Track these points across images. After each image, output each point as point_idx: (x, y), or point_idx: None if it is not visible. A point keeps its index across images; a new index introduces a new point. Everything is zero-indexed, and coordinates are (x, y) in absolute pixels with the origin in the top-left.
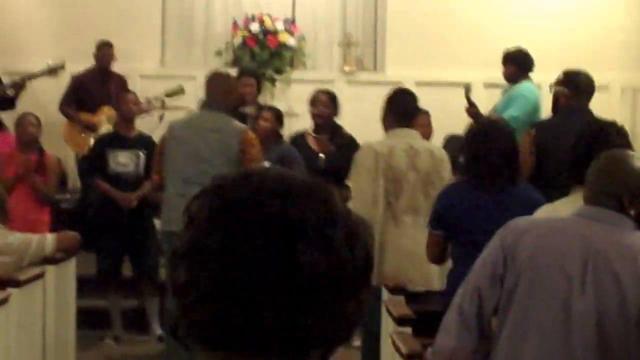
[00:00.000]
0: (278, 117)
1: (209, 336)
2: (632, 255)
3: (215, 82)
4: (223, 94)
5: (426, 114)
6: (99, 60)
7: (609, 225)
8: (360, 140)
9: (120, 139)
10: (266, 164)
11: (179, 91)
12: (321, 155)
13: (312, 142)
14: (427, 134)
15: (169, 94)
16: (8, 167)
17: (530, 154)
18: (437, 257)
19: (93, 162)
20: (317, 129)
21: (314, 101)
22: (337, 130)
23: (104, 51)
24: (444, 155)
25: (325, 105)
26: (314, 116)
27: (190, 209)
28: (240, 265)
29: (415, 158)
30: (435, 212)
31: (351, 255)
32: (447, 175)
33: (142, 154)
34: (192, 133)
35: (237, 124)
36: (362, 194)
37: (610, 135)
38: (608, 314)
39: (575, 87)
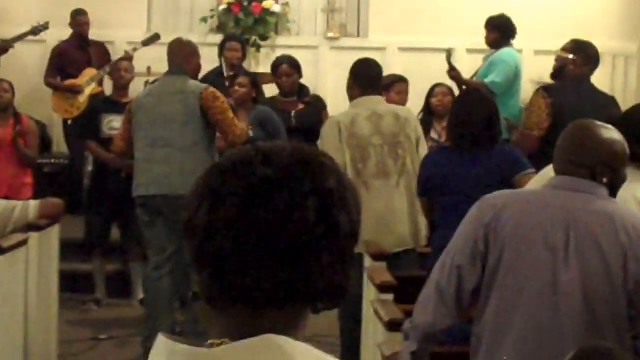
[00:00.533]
0: (253, 82)
1: (252, 295)
2: (612, 222)
3: (177, 48)
4: (184, 59)
5: (404, 81)
6: (76, 29)
7: (587, 195)
8: (342, 104)
9: (114, 104)
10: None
11: (155, 37)
12: (292, 113)
13: (281, 105)
14: (402, 101)
15: (145, 43)
16: None
17: (547, 116)
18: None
19: (86, 125)
20: (285, 94)
21: (276, 72)
22: (303, 90)
23: (79, 19)
24: (409, 115)
25: (288, 75)
26: (279, 86)
27: (221, 182)
28: (286, 234)
29: (379, 122)
30: (419, 179)
31: (358, 216)
32: (414, 133)
33: None
34: (156, 99)
35: (198, 83)
36: None
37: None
38: (593, 283)
39: (585, 57)
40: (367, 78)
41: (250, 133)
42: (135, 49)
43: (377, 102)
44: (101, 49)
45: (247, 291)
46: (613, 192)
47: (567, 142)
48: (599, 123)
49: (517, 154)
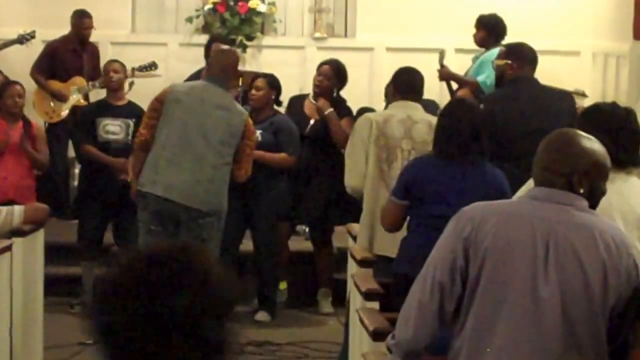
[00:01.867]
0: (271, 83)
1: None
2: (591, 235)
3: (223, 57)
4: (230, 72)
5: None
6: (77, 30)
7: (566, 206)
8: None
9: (109, 108)
10: (258, 133)
11: (153, 65)
12: (311, 121)
13: (307, 107)
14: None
15: (141, 70)
16: None
17: None
18: (395, 226)
19: (82, 131)
20: (317, 96)
21: (317, 69)
22: (338, 102)
23: (84, 22)
24: None
25: (325, 76)
26: (314, 84)
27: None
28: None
29: (412, 127)
30: (402, 183)
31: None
32: None
33: (132, 123)
34: (197, 102)
35: (240, 106)
36: (355, 166)
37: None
38: (573, 297)
39: (518, 58)
40: (407, 85)
41: (259, 138)
42: (134, 70)
43: (414, 108)
44: (95, 53)
45: None
46: (593, 204)
47: (546, 151)
48: (579, 132)
49: (502, 179)
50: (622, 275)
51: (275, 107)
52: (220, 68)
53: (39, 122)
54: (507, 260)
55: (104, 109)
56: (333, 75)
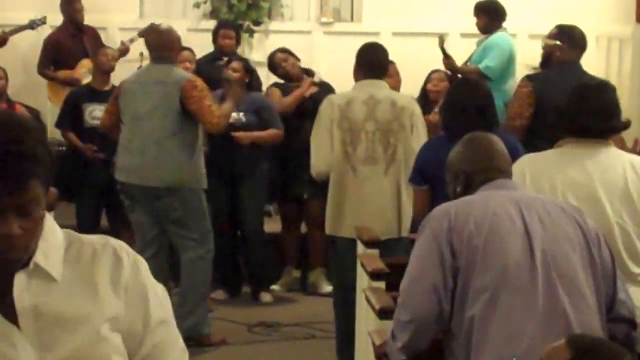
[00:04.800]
0: (247, 68)
1: None
2: (555, 203)
3: (157, 36)
4: (166, 47)
5: (392, 63)
6: (70, 16)
7: (521, 190)
8: (336, 89)
9: (95, 93)
10: (241, 115)
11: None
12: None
13: (294, 89)
14: (395, 83)
15: (142, 34)
16: None
17: (528, 105)
18: (425, 211)
19: (66, 115)
20: (291, 78)
21: (272, 64)
22: (309, 72)
23: (75, 6)
24: (407, 103)
25: (284, 60)
26: (286, 74)
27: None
28: None
29: (374, 107)
30: (416, 168)
31: None
32: (408, 122)
33: None
34: (139, 87)
35: (181, 73)
36: (319, 149)
37: (611, 91)
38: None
39: (571, 41)
40: (370, 63)
41: (243, 119)
42: (132, 40)
43: (377, 87)
44: (94, 34)
45: None
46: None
47: (473, 157)
48: (487, 136)
49: (513, 143)
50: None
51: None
52: (161, 46)
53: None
54: (497, 240)
55: (90, 94)
56: (290, 55)
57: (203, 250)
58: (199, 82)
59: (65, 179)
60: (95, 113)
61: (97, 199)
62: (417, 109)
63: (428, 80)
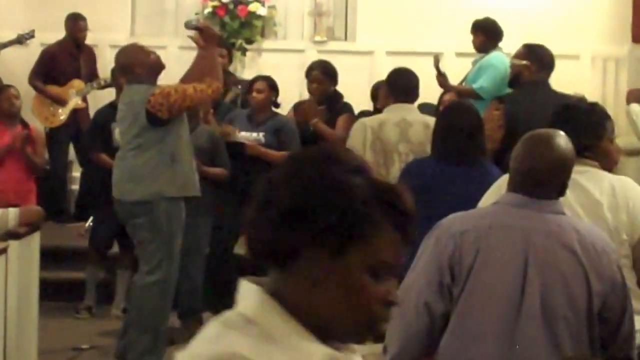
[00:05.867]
0: (271, 85)
1: None
2: (569, 243)
3: (121, 61)
4: (130, 68)
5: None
6: (72, 33)
7: (542, 213)
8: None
9: None
10: (261, 135)
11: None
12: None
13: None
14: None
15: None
16: None
17: (499, 127)
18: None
19: (96, 138)
20: (317, 102)
21: (308, 76)
22: (335, 99)
23: (79, 25)
24: None
25: (318, 81)
26: (309, 91)
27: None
28: None
29: (407, 129)
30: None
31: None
32: None
33: None
34: (119, 112)
35: (148, 90)
36: None
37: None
38: (554, 306)
39: (539, 60)
40: (402, 87)
41: (262, 140)
42: None
43: (408, 110)
44: (91, 55)
45: None
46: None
47: (520, 156)
48: (552, 133)
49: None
50: (606, 280)
51: (274, 109)
52: (136, 66)
53: (37, 126)
54: (489, 277)
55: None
56: (324, 78)
57: (151, 279)
58: (168, 89)
59: (82, 198)
60: None
61: (114, 221)
62: None
63: (440, 103)
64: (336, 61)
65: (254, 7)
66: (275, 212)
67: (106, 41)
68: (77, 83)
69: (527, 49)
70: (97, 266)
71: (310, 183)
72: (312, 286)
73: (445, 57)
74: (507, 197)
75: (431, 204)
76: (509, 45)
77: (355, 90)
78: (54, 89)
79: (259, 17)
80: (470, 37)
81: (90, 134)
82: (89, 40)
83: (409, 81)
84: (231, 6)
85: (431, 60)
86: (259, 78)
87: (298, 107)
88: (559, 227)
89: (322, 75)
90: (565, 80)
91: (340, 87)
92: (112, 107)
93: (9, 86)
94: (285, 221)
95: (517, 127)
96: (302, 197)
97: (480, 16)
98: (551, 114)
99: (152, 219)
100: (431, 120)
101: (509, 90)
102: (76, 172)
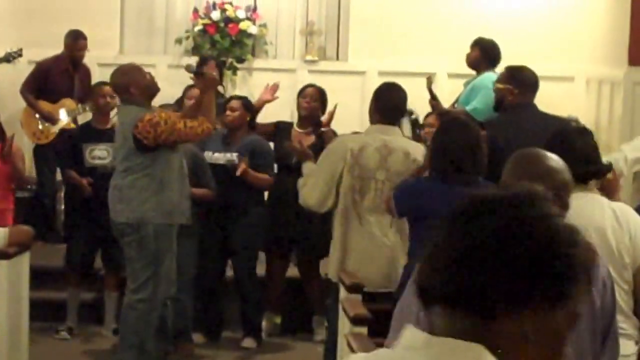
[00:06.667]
0: (246, 106)
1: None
2: None
3: (116, 82)
4: (123, 89)
5: None
6: (70, 51)
7: None
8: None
9: (95, 132)
10: (235, 156)
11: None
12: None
13: (294, 137)
14: None
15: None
16: None
17: None
18: None
19: (67, 155)
20: (302, 121)
21: (302, 93)
22: (321, 126)
23: (79, 43)
24: (420, 156)
25: (312, 98)
26: (300, 107)
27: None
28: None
29: (387, 156)
30: (396, 203)
31: None
32: None
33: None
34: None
35: (137, 113)
36: (317, 184)
37: (581, 136)
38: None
39: (520, 83)
40: (385, 106)
41: (236, 160)
42: None
43: (392, 133)
44: (86, 75)
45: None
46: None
47: (512, 173)
48: (542, 152)
49: None
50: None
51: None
52: (120, 88)
53: (25, 140)
54: None
55: (90, 133)
56: (318, 97)
57: (136, 297)
58: (157, 118)
59: (59, 219)
60: (95, 152)
61: (91, 242)
62: None
63: (422, 126)
64: (328, 81)
65: (244, 25)
66: (505, 260)
67: (95, 58)
68: (69, 102)
69: (509, 72)
70: (77, 287)
71: (541, 233)
72: (519, 340)
73: (438, 78)
74: None
75: (430, 225)
76: (501, 67)
77: (346, 110)
78: (45, 106)
79: (250, 35)
80: (463, 57)
81: (62, 152)
82: None
83: (392, 99)
84: (222, 24)
85: (423, 80)
86: (233, 97)
87: (284, 126)
88: None
89: (316, 94)
90: (559, 102)
91: (331, 107)
92: (86, 127)
93: None
94: (518, 271)
95: (498, 151)
96: (540, 247)
97: (473, 36)
98: (545, 140)
99: (139, 238)
100: (412, 148)
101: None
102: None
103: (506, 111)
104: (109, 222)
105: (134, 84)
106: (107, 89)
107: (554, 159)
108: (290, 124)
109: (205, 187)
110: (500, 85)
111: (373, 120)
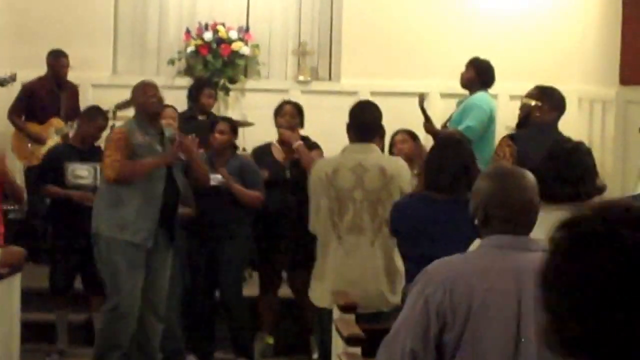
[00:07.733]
0: (233, 128)
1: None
2: None
3: (135, 89)
4: (135, 102)
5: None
6: (54, 70)
7: (530, 252)
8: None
9: (76, 152)
10: (219, 177)
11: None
12: (287, 164)
13: (276, 152)
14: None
15: (120, 107)
16: None
17: (511, 164)
18: None
19: (46, 173)
20: (282, 139)
21: (279, 111)
22: (303, 139)
23: (60, 61)
24: (397, 170)
25: (291, 115)
26: (280, 126)
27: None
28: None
29: (363, 175)
30: (392, 230)
31: None
32: (397, 191)
33: (99, 167)
34: None
35: (119, 129)
36: (314, 210)
37: (583, 155)
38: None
39: (551, 102)
40: (359, 125)
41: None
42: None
43: (366, 152)
44: (73, 93)
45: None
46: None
47: (493, 198)
48: (513, 170)
49: None
50: None
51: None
52: (134, 101)
53: (16, 164)
54: (485, 322)
55: (72, 152)
56: (296, 113)
57: (107, 306)
58: (115, 137)
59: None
60: (77, 172)
61: (74, 261)
62: (407, 176)
63: (392, 142)
64: (320, 101)
65: (237, 46)
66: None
67: (88, 79)
68: (57, 122)
69: (540, 90)
70: (64, 309)
71: None
72: None
73: (430, 98)
74: (493, 240)
75: (425, 245)
76: (495, 86)
77: (339, 130)
78: (33, 127)
79: (242, 56)
80: (455, 78)
81: (41, 169)
82: (70, 79)
83: (365, 118)
84: (214, 45)
85: (416, 100)
86: (220, 119)
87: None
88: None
89: (294, 110)
90: None
91: (323, 128)
92: (67, 146)
93: None
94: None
95: (525, 166)
96: None
97: (466, 57)
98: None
99: (97, 250)
100: (389, 164)
101: (492, 130)
102: None
103: (531, 127)
104: (87, 244)
105: (134, 101)
106: (103, 123)
107: (524, 178)
108: (266, 145)
109: (187, 206)
110: (530, 102)
111: (349, 139)
